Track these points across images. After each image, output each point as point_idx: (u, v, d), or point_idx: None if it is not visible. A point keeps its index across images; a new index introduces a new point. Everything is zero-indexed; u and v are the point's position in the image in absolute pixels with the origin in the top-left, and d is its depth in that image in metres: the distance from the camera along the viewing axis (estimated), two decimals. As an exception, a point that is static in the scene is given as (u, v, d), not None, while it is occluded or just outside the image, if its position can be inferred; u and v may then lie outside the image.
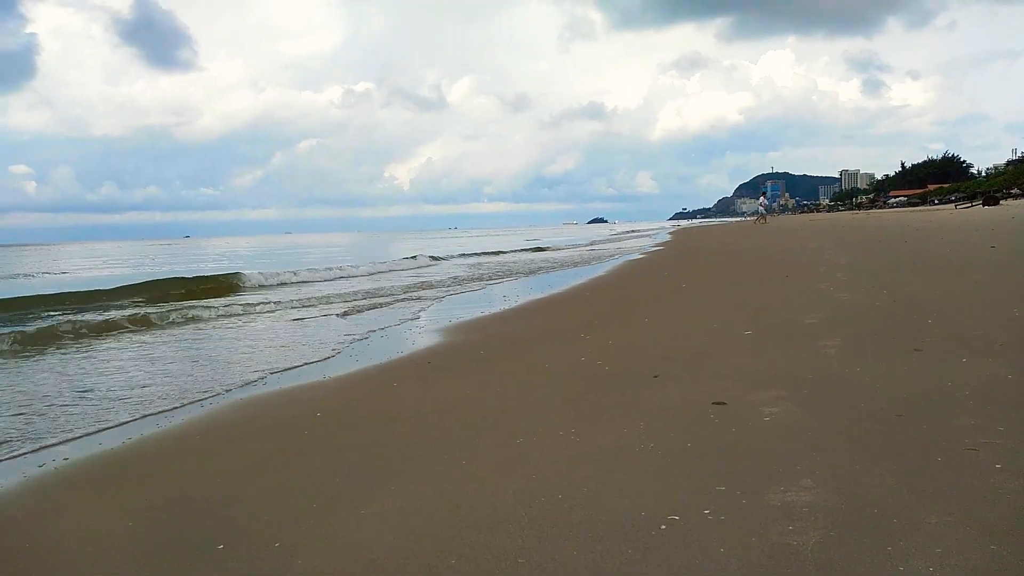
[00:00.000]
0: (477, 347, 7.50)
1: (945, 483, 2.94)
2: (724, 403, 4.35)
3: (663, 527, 2.75)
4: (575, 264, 23.11)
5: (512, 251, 35.71)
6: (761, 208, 51.67)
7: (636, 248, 32.49)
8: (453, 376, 6.11)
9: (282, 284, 18.60)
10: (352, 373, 6.61)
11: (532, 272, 20.17)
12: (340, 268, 22.59)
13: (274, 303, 13.20)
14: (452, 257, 30.77)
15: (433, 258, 29.47)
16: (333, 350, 7.86)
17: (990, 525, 2.54)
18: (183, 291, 16.13)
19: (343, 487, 3.52)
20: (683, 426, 3.99)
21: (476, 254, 32.86)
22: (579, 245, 41.77)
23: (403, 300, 13.28)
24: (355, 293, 14.79)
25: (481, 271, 21.33)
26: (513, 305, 11.84)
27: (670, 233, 55.55)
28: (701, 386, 4.84)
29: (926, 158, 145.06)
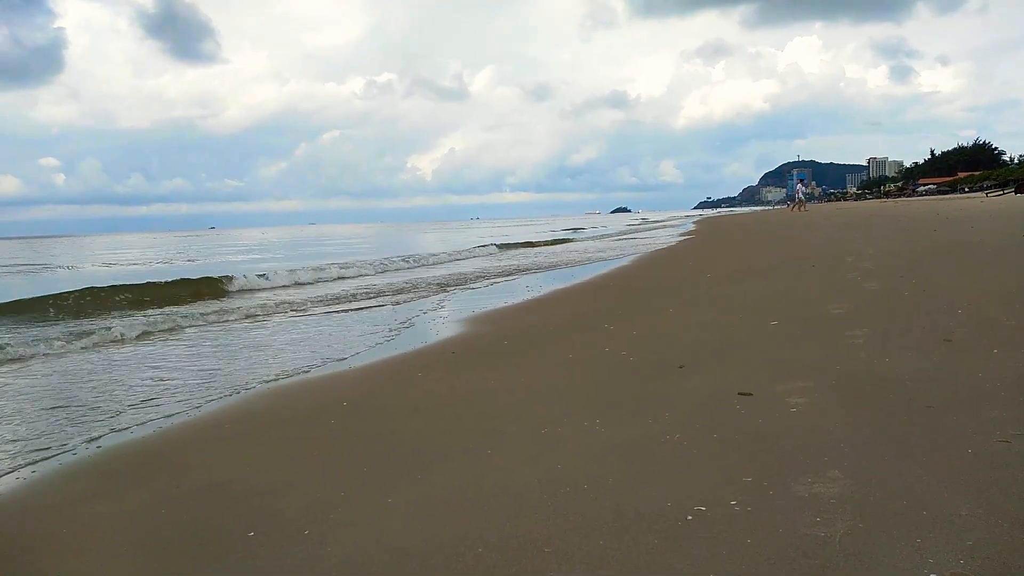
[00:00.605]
0: (501, 337, 7.52)
1: (976, 475, 2.90)
2: (750, 394, 4.32)
3: (689, 518, 2.75)
4: (602, 253, 23.07)
5: (558, 241, 35.83)
6: (799, 195, 49.18)
7: (662, 237, 32.32)
8: (478, 366, 6.14)
9: (356, 275, 18.50)
10: (378, 362, 6.68)
11: (560, 263, 20.15)
12: (405, 259, 22.44)
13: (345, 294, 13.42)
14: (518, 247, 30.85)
15: (500, 246, 29.72)
16: (365, 340, 7.94)
17: (1022, 518, 2.51)
18: (223, 288, 15.81)
19: (370, 476, 3.56)
20: (709, 417, 3.98)
21: (536, 243, 32.95)
22: (608, 235, 41.72)
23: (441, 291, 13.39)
24: (390, 286, 14.83)
25: (532, 261, 21.39)
26: (538, 295, 11.86)
27: (695, 223, 55.02)
28: (727, 376, 4.81)
29: (956, 145, 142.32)
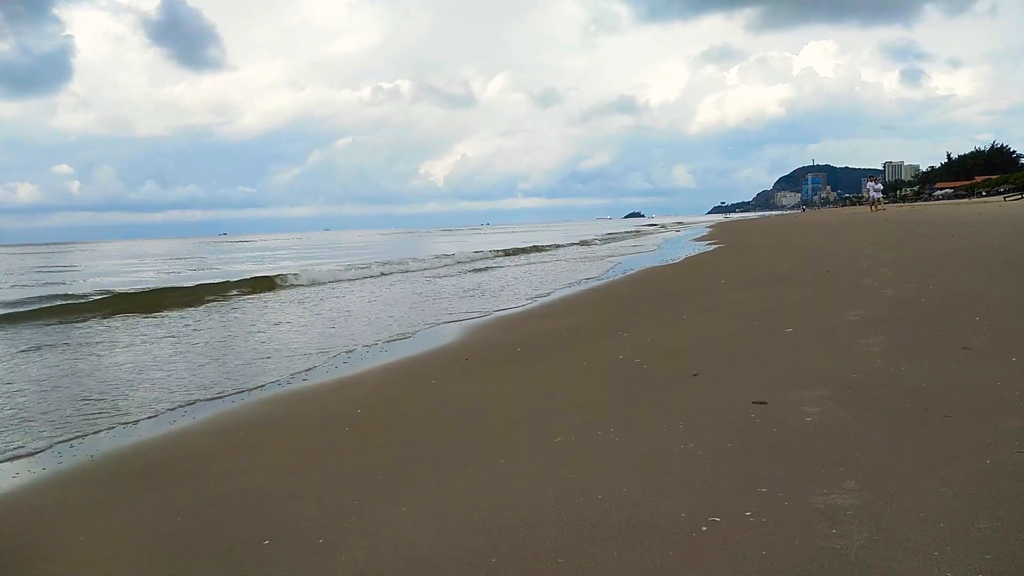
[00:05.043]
0: (514, 344, 7.52)
1: (994, 487, 2.87)
2: (765, 403, 4.30)
3: (704, 529, 2.74)
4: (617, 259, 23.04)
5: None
6: (873, 194, 47.01)
7: (675, 243, 32.24)
8: (491, 374, 6.14)
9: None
10: (391, 369, 6.70)
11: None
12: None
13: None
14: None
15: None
16: (375, 343, 7.97)
17: (1042, 531, 2.48)
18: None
19: (384, 484, 3.57)
20: (723, 426, 3.96)
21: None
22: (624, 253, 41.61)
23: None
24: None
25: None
26: (550, 300, 11.85)
27: (709, 227, 54.64)
28: (741, 385, 4.79)
29: (973, 149, 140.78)
